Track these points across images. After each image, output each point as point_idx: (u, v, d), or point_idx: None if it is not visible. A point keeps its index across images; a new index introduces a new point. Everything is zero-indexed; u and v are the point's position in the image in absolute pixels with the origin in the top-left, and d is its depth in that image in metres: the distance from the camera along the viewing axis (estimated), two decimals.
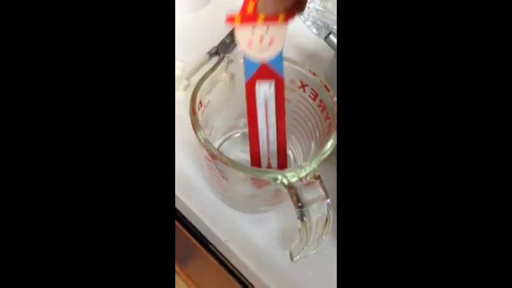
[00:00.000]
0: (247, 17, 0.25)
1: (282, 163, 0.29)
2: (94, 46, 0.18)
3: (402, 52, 0.17)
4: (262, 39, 0.25)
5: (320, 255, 0.28)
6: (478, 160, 0.17)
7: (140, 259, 0.19)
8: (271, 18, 0.25)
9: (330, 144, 0.25)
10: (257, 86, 0.27)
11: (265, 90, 0.27)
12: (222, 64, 0.28)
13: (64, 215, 0.18)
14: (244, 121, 0.34)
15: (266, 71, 0.27)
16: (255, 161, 0.29)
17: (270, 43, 0.26)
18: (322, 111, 0.27)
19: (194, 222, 0.35)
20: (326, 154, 0.25)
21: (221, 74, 0.29)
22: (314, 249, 0.26)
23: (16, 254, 0.18)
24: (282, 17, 0.25)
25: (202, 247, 0.42)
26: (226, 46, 0.41)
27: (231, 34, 0.42)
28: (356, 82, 0.18)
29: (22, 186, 0.18)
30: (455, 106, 0.17)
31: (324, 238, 0.25)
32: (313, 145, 0.29)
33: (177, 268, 0.73)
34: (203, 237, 0.37)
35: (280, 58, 0.26)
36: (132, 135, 0.19)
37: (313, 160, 0.24)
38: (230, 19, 0.26)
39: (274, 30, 0.25)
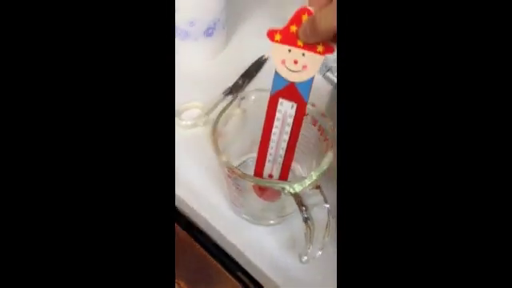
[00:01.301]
0: (288, 37, 0.26)
1: (284, 177, 0.31)
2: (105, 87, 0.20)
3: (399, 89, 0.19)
4: (296, 61, 0.26)
5: (329, 261, 0.32)
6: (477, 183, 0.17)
7: (139, 272, 0.20)
8: (310, 47, 0.26)
9: (328, 160, 0.30)
10: (279, 102, 0.28)
11: (286, 108, 0.28)
12: (236, 100, 0.34)
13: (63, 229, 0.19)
14: (256, 146, 0.39)
15: (291, 91, 0.27)
16: (259, 169, 0.31)
17: (304, 68, 0.26)
18: (321, 134, 0.33)
19: (214, 238, 0.40)
20: (324, 168, 0.30)
21: (235, 109, 0.35)
22: (320, 250, 0.31)
23: (16, 261, 0.18)
24: (320, 49, 0.25)
25: (218, 263, 0.46)
26: (239, 86, 0.48)
27: (242, 77, 0.49)
28: (353, 112, 0.20)
29: (22, 187, 0.18)
30: (448, 132, 0.18)
31: (326, 238, 0.30)
32: (314, 161, 0.34)
33: None
34: (220, 251, 0.41)
35: (309, 83, 0.27)
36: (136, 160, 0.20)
37: (313, 173, 0.29)
38: (271, 33, 0.26)
39: (310, 57, 0.26)
